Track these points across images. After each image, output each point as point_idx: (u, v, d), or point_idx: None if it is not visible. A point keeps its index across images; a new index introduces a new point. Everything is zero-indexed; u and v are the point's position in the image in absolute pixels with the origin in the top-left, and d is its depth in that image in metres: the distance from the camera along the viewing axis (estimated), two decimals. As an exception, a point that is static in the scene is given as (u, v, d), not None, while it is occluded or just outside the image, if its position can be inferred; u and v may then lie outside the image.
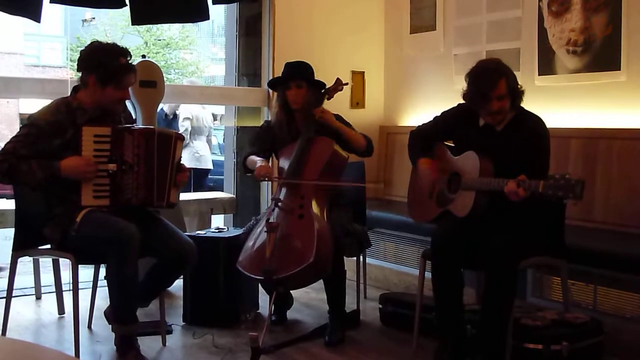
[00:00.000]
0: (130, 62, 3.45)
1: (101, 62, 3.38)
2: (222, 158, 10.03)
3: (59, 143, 3.33)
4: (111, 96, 3.40)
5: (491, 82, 3.34)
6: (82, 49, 3.48)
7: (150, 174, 3.42)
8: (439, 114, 3.77)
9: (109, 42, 3.49)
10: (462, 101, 3.54)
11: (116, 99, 3.43)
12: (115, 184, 3.38)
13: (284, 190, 3.91)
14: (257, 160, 4.01)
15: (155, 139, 3.44)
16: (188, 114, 7.62)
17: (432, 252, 3.49)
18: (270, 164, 4.14)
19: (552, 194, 2.95)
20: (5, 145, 3.31)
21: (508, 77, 3.37)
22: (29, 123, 3.36)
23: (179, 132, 3.62)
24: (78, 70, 3.47)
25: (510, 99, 3.38)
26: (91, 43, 3.48)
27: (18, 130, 3.41)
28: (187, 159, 7.39)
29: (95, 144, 3.35)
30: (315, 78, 4.15)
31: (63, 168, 3.29)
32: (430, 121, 3.79)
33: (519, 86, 3.43)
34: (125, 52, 3.44)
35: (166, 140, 3.48)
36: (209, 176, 8.38)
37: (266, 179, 4.04)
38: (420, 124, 3.85)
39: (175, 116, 7.52)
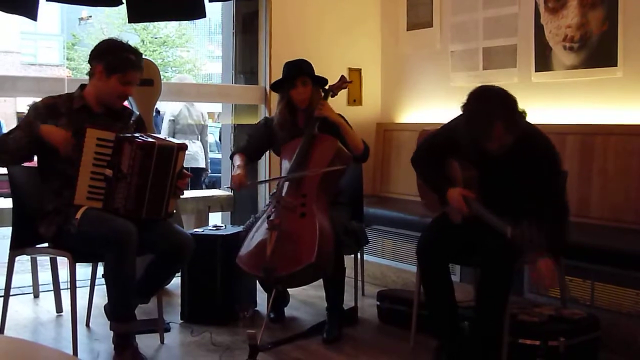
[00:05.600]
0: (140, 62, 3.52)
1: (111, 51, 3.49)
2: (217, 155, 10.04)
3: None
4: (114, 88, 3.46)
5: (484, 131, 3.10)
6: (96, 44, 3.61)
7: (143, 187, 3.40)
8: (432, 131, 3.62)
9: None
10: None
11: (118, 92, 3.48)
12: (109, 190, 3.38)
13: (285, 187, 3.90)
14: (235, 165, 4.01)
15: (154, 153, 3.40)
16: (170, 115, 7.57)
17: (418, 252, 3.50)
18: (263, 160, 4.13)
19: (519, 242, 2.96)
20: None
21: (503, 119, 3.07)
22: (30, 107, 3.48)
23: (181, 142, 3.60)
24: (89, 62, 3.57)
25: (510, 133, 3.11)
26: (109, 38, 3.61)
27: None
28: None
29: (97, 147, 3.36)
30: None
31: (42, 129, 3.34)
32: (427, 141, 3.58)
33: (519, 113, 3.15)
34: (137, 52, 3.54)
35: (167, 153, 3.46)
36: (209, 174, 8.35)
37: (239, 188, 3.99)
38: (416, 148, 3.64)
39: (157, 112, 7.44)
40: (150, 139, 3.44)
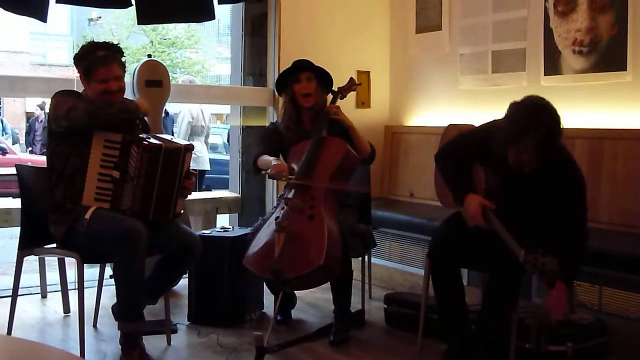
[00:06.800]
0: (108, 55, 3.48)
1: (82, 57, 3.51)
2: (225, 157, 10.09)
3: None
4: (96, 89, 3.47)
5: (515, 138, 3.04)
6: None
7: (150, 189, 3.40)
8: (466, 131, 3.57)
9: (101, 39, 3.64)
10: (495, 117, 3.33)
11: (100, 92, 3.46)
12: (117, 192, 3.39)
13: (293, 189, 3.90)
14: (271, 160, 3.98)
15: (160, 155, 3.41)
16: (189, 116, 7.60)
17: (430, 252, 3.50)
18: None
19: (530, 268, 2.92)
20: (60, 109, 3.37)
21: (538, 138, 3.00)
22: (56, 93, 3.47)
23: (188, 143, 3.62)
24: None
25: (537, 155, 3.06)
26: (84, 43, 3.62)
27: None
28: None
29: (105, 149, 3.37)
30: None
31: (139, 102, 3.54)
32: (457, 141, 3.51)
33: (557, 142, 3.10)
34: (107, 47, 3.52)
35: (174, 155, 3.47)
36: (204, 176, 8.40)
37: (282, 178, 3.96)
38: (444, 145, 3.61)
39: (167, 114, 7.49)
40: (157, 141, 3.44)
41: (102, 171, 3.37)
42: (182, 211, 3.65)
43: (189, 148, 3.56)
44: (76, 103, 3.35)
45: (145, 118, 3.78)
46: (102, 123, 3.36)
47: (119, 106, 3.39)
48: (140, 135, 3.46)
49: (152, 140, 3.43)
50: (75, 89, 3.60)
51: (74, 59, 3.55)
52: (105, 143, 3.38)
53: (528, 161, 3.09)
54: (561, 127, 3.09)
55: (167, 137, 3.71)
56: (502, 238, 3.08)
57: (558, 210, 3.15)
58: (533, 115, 3.03)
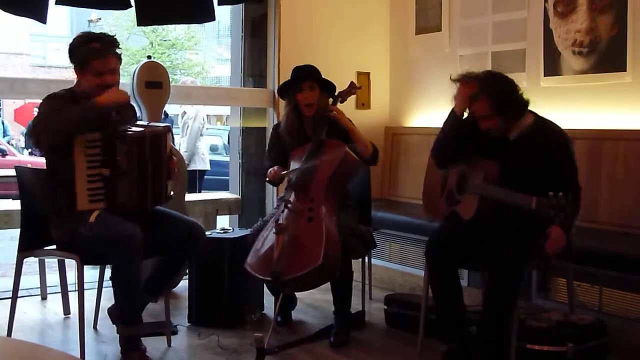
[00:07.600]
0: (103, 47, 3.43)
1: (75, 49, 3.45)
2: (225, 158, 10.09)
3: None
4: (91, 82, 3.42)
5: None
6: None
7: (144, 179, 3.40)
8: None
9: (93, 31, 3.57)
10: None
11: (95, 85, 3.41)
12: (110, 189, 3.37)
13: (293, 191, 3.91)
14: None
15: (147, 143, 3.40)
16: (201, 119, 7.61)
17: (427, 253, 3.51)
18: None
19: (544, 212, 2.95)
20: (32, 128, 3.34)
21: (490, 96, 3.27)
22: (43, 100, 3.42)
23: (166, 125, 3.60)
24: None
25: (499, 116, 3.29)
26: (77, 35, 3.54)
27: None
28: (194, 161, 7.45)
29: (87, 149, 3.34)
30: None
31: (98, 100, 3.31)
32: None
33: (517, 97, 3.31)
34: (102, 39, 3.46)
35: (158, 140, 3.47)
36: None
37: (281, 180, 4.02)
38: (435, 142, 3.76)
39: (166, 115, 7.48)
40: (137, 129, 3.42)
41: (90, 172, 3.35)
42: (172, 193, 3.64)
43: (169, 129, 3.58)
44: (44, 124, 3.27)
45: (138, 112, 3.76)
46: (71, 131, 3.27)
47: (75, 117, 3.28)
48: (118, 128, 3.41)
49: (134, 129, 3.41)
50: (54, 92, 3.49)
51: (68, 49, 3.47)
52: (87, 144, 3.34)
53: (495, 125, 3.31)
54: (514, 85, 3.32)
55: (144, 122, 3.65)
56: (508, 200, 3.17)
57: (550, 168, 3.25)
58: (481, 80, 3.34)
